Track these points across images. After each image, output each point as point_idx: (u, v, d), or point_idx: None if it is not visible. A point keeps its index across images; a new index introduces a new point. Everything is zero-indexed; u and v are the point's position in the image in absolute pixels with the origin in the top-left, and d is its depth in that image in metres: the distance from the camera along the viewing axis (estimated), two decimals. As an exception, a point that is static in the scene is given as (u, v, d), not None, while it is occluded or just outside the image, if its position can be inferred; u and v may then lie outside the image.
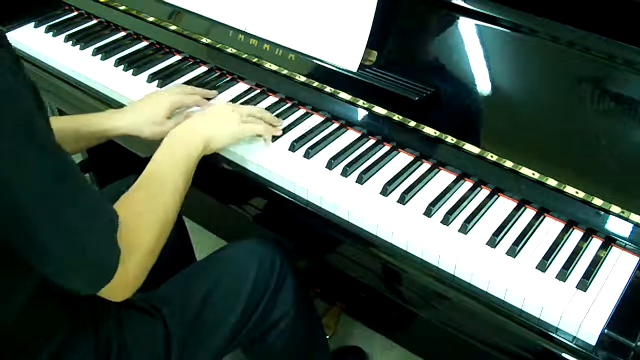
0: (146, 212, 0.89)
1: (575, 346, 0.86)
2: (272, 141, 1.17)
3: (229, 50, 1.34)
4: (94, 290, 0.80)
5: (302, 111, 1.25)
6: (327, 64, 1.21)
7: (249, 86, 1.33)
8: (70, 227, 0.73)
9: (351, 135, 1.19)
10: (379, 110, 1.17)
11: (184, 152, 1.00)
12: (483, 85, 1.08)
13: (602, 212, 0.98)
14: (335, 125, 1.21)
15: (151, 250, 0.86)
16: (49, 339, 0.87)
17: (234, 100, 1.28)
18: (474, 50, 1.09)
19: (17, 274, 0.80)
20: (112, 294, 0.82)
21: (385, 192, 1.05)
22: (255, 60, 1.31)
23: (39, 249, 0.73)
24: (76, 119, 1.14)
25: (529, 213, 1.03)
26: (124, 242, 0.79)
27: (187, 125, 1.07)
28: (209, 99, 1.27)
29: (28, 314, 0.83)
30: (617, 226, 0.97)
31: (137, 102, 1.20)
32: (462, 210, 1.02)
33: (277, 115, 1.22)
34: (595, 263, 0.93)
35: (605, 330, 0.85)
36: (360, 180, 1.08)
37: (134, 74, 1.36)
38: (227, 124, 1.09)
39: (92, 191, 0.78)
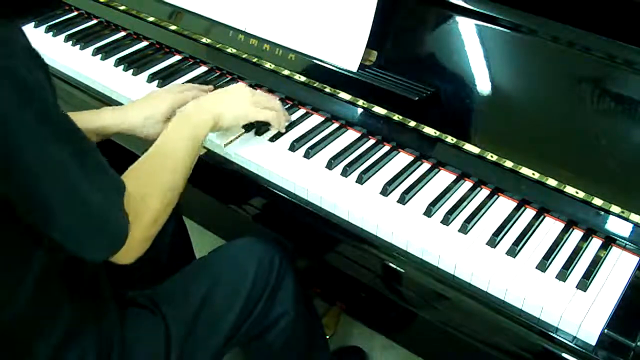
0: (152, 182, 0.92)
1: (575, 346, 0.86)
2: (272, 140, 1.17)
3: (229, 50, 1.34)
4: (105, 256, 0.84)
5: (302, 111, 1.25)
6: (327, 64, 1.21)
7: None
8: (84, 200, 0.78)
9: (351, 135, 1.19)
10: (378, 110, 1.17)
11: (192, 130, 1.03)
12: (483, 85, 1.08)
13: (602, 212, 0.98)
14: (335, 125, 1.21)
15: (155, 218, 0.90)
16: (51, 332, 0.88)
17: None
18: (474, 50, 1.09)
19: (24, 262, 0.82)
20: (118, 258, 0.85)
21: (385, 192, 1.05)
22: (255, 60, 1.31)
23: (50, 218, 0.77)
24: (76, 115, 1.14)
25: (529, 213, 1.03)
26: (130, 210, 0.83)
27: (198, 102, 1.10)
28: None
29: (33, 306, 0.84)
30: (617, 226, 0.97)
31: (138, 100, 1.20)
32: (462, 210, 1.02)
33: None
34: (595, 263, 0.93)
35: (605, 330, 0.85)
36: (360, 180, 1.08)
37: (134, 74, 1.36)
38: (238, 104, 1.11)
39: (103, 164, 0.82)
